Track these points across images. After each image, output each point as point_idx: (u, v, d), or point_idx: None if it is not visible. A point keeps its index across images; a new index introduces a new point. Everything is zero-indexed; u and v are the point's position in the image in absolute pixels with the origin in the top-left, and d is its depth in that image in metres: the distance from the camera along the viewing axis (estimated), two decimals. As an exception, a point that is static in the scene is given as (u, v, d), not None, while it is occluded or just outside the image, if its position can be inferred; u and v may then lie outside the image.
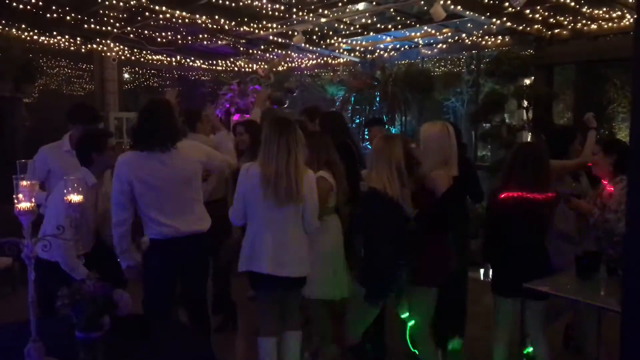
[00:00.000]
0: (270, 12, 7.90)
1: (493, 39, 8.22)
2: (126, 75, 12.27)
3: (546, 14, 7.16)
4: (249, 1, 7.53)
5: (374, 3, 7.34)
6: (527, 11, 6.98)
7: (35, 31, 8.99)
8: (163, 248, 3.54)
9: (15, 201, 2.28)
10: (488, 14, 7.07)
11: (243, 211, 3.56)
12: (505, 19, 7.13)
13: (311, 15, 7.75)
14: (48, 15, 8.35)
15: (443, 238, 3.71)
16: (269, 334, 3.66)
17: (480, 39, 8.31)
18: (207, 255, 3.92)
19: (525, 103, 7.43)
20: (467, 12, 7.01)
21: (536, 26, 7.45)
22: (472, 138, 8.86)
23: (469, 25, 8.14)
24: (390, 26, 8.39)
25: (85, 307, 2.41)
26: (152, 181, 3.47)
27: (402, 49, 9.55)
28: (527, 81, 7.94)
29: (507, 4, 6.56)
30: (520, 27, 7.42)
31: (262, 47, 10.19)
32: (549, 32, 7.56)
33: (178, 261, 3.59)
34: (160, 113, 3.53)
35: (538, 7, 6.98)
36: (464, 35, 8.41)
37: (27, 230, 2.37)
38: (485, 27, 7.94)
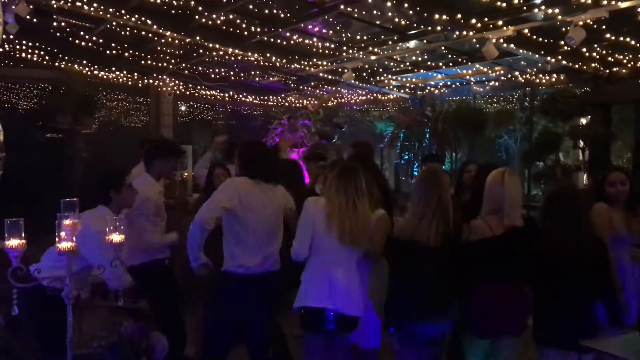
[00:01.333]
0: (320, 50, 7.98)
1: (547, 77, 8.02)
2: (182, 108, 12.61)
3: (604, 52, 6.95)
4: (300, 39, 7.64)
5: (425, 41, 7.30)
6: (584, 49, 6.79)
7: (96, 67, 9.37)
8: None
9: (57, 240, 2.30)
10: (542, 52, 6.92)
11: (309, 244, 3.50)
12: (560, 57, 6.96)
13: (361, 53, 7.77)
14: (108, 52, 8.71)
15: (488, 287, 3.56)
16: None
17: (534, 77, 8.13)
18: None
19: (582, 143, 7.17)
20: (521, 51, 6.87)
21: (593, 64, 7.23)
22: (524, 177, 8.61)
23: (522, 62, 7.98)
24: (441, 64, 8.32)
25: (121, 350, 2.40)
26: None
27: (454, 85, 9.44)
28: (584, 120, 7.69)
29: (562, 42, 6.40)
30: (577, 65, 7.21)
31: (313, 83, 10.29)
32: (607, 70, 7.32)
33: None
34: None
35: (595, 46, 6.78)
36: (517, 73, 8.25)
37: (68, 269, 2.38)
38: (540, 65, 7.76)
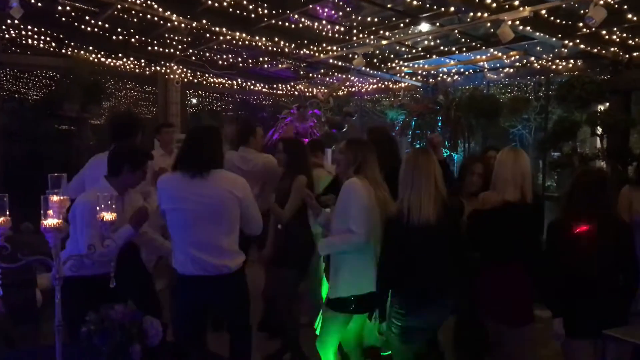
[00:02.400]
0: (330, 35, 7.78)
1: (564, 63, 7.76)
2: (194, 100, 12.48)
3: (624, 35, 6.68)
4: (309, 23, 7.45)
5: (438, 25, 7.08)
6: (603, 32, 6.53)
7: (102, 53, 9.24)
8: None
9: (42, 217, 2.14)
10: (560, 35, 6.67)
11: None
12: (578, 40, 6.71)
13: (372, 37, 7.57)
14: (114, 37, 8.57)
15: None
16: None
17: (550, 63, 7.87)
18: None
19: (600, 130, 6.93)
20: (537, 34, 6.63)
21: (612, 49, 6.97)
22: (539, 167, 8.39)
23: (538, 48, 7.73)
24: (454, 49, 8.09)
25: (112, 335, 2.24)
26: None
27: (467, 72, 9.21)
28: (602, 107, 7.44)
29: (581, 24, 6.16)
30: (595, 50, 6.96)
31: (322, 70, 10.09)
32: (627, 55, 7.06)
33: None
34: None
35: (615, 29, 6.53)
36: (532, 58, 8.00)
37: (56, 248, 2.23)
38: (556, 50, 7.51)
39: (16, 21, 7.37)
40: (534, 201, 3.61)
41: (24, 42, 8.80)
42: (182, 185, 3.28)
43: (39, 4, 7.14)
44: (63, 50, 9.02)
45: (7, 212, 2.19)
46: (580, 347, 3.26)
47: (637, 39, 6.76)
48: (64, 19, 7.96)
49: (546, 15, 6.26)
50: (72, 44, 8.92)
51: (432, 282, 3.28)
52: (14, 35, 8.58)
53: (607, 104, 7.32)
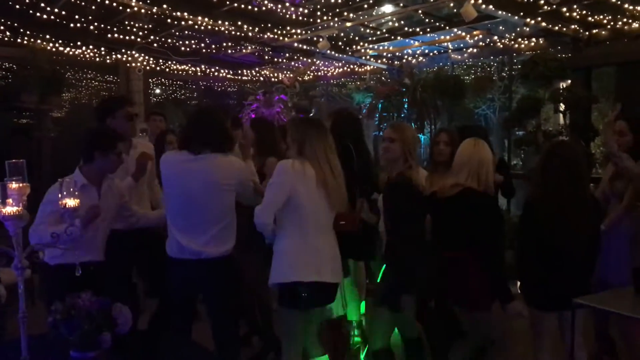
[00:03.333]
0: (294, 18, 7.71)
1: (527, 42, 7.86)
2: (157, 90, 12.25)
3: (584, 12, 6.79)
4: (272, 6, 7.36)
5: (401, 5, 7.07)
6: (564, 9, 6.63)
7: (61, 42, 8.97)
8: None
9: (1, 205, 2.06)
10: (522, 13, 6.74)
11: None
12: (540, 19, 6.78)
13: (336, 19, 7.52)
14: (72, 25, 8.32)
15: None
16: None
17: (513, 42, 7.95)
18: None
19: (563, 107, 7.04)
20: (500, 12, 6.68)
21: (573, 26, 7.07)
22: (505, 145, 8.50)
23: (501, 27, 7.80)
24: (418, 29, 8.10)
25: (79, 323, 2.18)
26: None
27: (431, 54, 9.25)
28: (564, 85, 7.56)
29: (542, 1, 6.23)
30: (556, 28, 7.05)
31: (287, 55, 10.00)
32: (587, 33, 7.18)
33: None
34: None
35: (575, 6, 6.63)
36: (495, 37, 8.07)
37: (16, 237, 2.15)
38: (519, 29, 7.59)
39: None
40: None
41: (-24, 32, 8.49)
42: (183, 166, 3.26)
43: (-9, -9, 6.90)
44: (19, 40, 8.71)
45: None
46: (549, 319, 3.32)
47: (596, 16, 6.88)
48: (18, 6, 7.69)
49: (508, -7, 6.32)
50: (28, 32, 8.61)
51: None
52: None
53: (569, 81, 7.44)
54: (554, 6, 6.25)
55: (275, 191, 3.19)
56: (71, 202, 2.29)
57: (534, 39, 7.76)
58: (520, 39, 7.87)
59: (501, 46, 8.18)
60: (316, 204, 3.22)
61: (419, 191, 3.43)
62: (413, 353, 3.71)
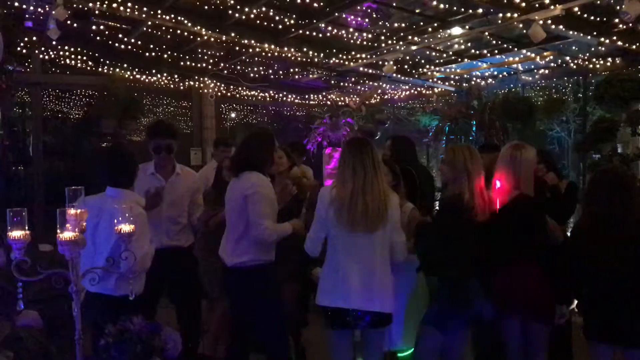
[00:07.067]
0: (359, 42, 7.75)
1: (602, 62, 7.52)
2: (232, 115, 12.60)
3: (663, 30, 6.44)
4: (337, 32, 7.44)
5: (468, 28, 6.96)
6: (641, 27, 6.31)
7: (137, 70, 9.43)
8: None
9: (59, 231, 2.16)
10: (595, 33, 6.46)
11: (321, 239, 3.28)
12: (615, 37, 6.49)
13: (401, 43, 7.50)
14: (147, 54, 8.74)
15: None
16: None
17: (587, 62, 7.63)
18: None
19: (642, 129, 6.67)
20: (571, 32, 6.44)
21: (652, 44, 6.72)
22: (580, 169, 8.12)
23: (574, 47, 7.52)
24: (486, 52, 7.93)
25: (130, 347, 2.23)
26: None
27: (500, 75, 9.02)
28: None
29: (617, 20, 5.95)
30: (634, 47, 6.71)
31: (353, 79, 10.05)
32: (667, 51, 6.80)
33: None
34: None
35: (654, 23, 6.29)
36: (568, 58, 7.77)
37: (74, 262, 2.24)
38: (593, 48, 7.28)
39: (54, 42, 7.60)
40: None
41: (62, 62, 9.07)
42: None
43: (75, 25, 7.34)
44: (100, 69, 9.25)
45: (27, 227, 2.21)
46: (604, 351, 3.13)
47: (677, 34, 6.50)
48: (98, 38, 8.18)
49: (579, 13, 6.09)
50: (108, 62, 9.13)
51: None
52: (53, 56, 8.86)
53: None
54: (630, 24, 5.95)
55: (315, 219, 3.32)
56: (126, 228, 2.36)
57: (609, 59, 7.41)
58: (595, 59, 7.54)
59: (574, 67, 7.86)
60: (339, 227, 3.16)
61: (467, 212, 3.32)
62: None
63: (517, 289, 3.34)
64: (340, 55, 8.23)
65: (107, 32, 8.01)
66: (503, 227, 3.38)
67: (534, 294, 3.34)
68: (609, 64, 7.45)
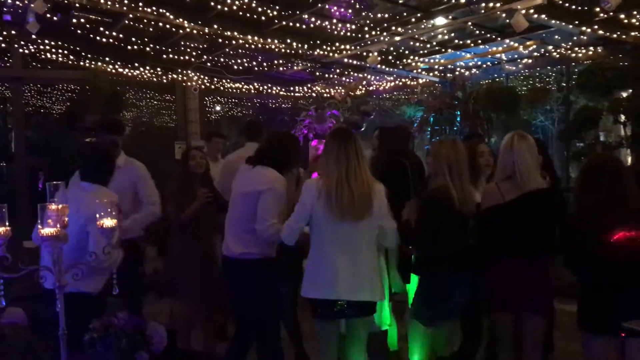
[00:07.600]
0: (342, 33, 7.72)
1: (584, 51, 7.57)
2: (217, 108, 12.53)
3: (644, 18, 6.49)
4: (321, 23, 7.41)
5: (451, 18, 6.97)
6: (622, 16, 6.35)
7: (119, 63, 9.32)
8: None
9: (40, 226, 2.13)
10: (577, 22, 6.51)
11: (301, 229, 3.30)
12: (596, 26, 6.53)
13: (385, 34, 7.49)
14: (130, 47, 8.64)
15: None
16: None
17: (569, 51, 7.68)
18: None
19: (623, 117, 6.73)
20: (554, 22, 6.48)
21: (633, 33, 6.77)
22: (564, 158, 8.20)
23: (556, 37, 7.55)
24: (469, 41, 7.95)
25: (115, 342, 2.22)
26: None
27: (484, 65, 9.06)
28: (625, 94, 7.23)
29: (598, 9, 6.00)
30: (615, 35, 6.77)
31: (338, 70, 10.03)
32: (648, 39, 6.86)
33: None
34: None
35: (635, 12, 6.34)
36: (550, 47, 7.81)
37: (56, 258, 2.22)
38: (575, 37, 7.33)
39: (34, 36, 7.49)
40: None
41: (43, 56, 8.94)
42: None
43: (54, 18, 7.23)
44: (81, 63, 9.13)
45: (7, 223, 2.18)
46: (602, 344, 3.12)
47: (658, 22, 6.56)
48: (79, 31, 8.06)
49: (560, 2, 6.12)
50: (90, 56, 9.01)
51: None
52: (33, 50, 8.73)
53: (630, 90, 7.11)
54: (611, 13, 6.00)
55: (297, 208, 3.29)
56: (109, 222, 2.34)
57: (592, 48, 7.48)
58: (577, 48, 7.59)
59: (557, 56, 7.91)
60: (327, 217, 3.16)
61: (452, 207, 3.32)
62: None
63: (515, 282, 3.30)
64: (324, 47, 8.20)
65: (88, 25, 7.89)
66: (507, 220, 3.34)
67: (533, 286, 3.31)
68: (590, 52, 7.52)
